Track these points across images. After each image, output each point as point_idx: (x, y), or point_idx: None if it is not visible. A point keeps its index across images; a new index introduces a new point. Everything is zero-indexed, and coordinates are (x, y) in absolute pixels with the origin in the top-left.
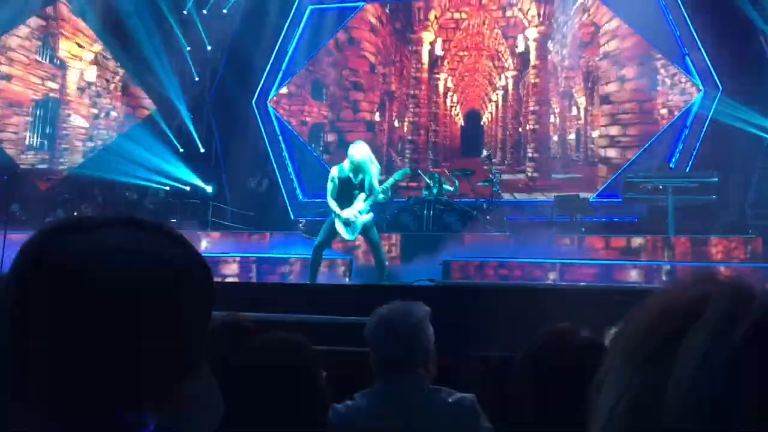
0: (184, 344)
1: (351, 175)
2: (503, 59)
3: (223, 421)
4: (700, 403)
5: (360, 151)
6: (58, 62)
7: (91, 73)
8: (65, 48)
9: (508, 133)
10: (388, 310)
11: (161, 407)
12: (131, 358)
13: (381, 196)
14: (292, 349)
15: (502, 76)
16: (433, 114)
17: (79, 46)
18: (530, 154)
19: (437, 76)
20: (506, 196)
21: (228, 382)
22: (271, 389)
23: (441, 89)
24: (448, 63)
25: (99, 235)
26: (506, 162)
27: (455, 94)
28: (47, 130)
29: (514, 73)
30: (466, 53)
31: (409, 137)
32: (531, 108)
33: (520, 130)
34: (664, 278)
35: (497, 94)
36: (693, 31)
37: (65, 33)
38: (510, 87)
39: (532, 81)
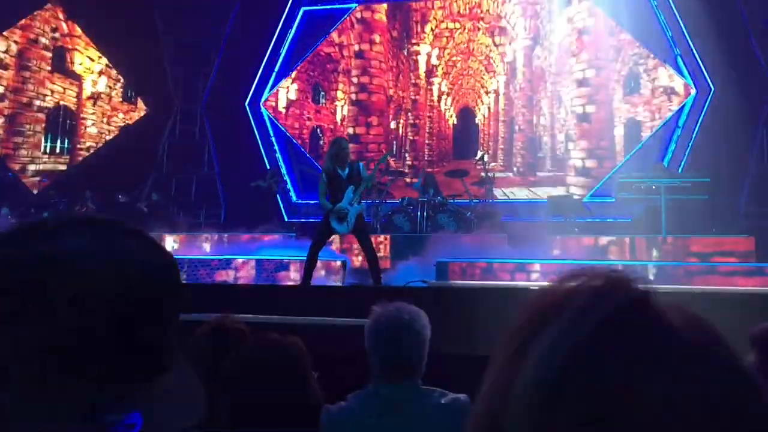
0: (146, 343)
1: (339, 171)
2: (494, 64)
3: (216, 421)
4: (535, 393)
5: (341, 145)
6: (73, 74)
7: (102, 83)
8: (79, 61)
9: (500, 135)
10: (390, 310)
11: (129, 406)
12: (89, 360)
13: (369, 183)
14: (284, 351)
15: (494, 80)
16: (428, 117)
17: (91, 59)
18: (517, 155)
19: (432, 80)
20: (498, 194)
21: (221, 383)
22: (264, 390)
23: (436, 94)
24: (442, 69)
25: (56, 238)
26: (498, 163)
27: (449, 98)
28: (63, 137)
29: (505, 78)
30: (459, 58)
31: (409, 138)
32: (521, 111)
33: (511, 131)
34: (651, 277)
35: (489, 97)
36: (685, 32)
37: (79, 48)
38: (501, 91)
39: (521, 86)
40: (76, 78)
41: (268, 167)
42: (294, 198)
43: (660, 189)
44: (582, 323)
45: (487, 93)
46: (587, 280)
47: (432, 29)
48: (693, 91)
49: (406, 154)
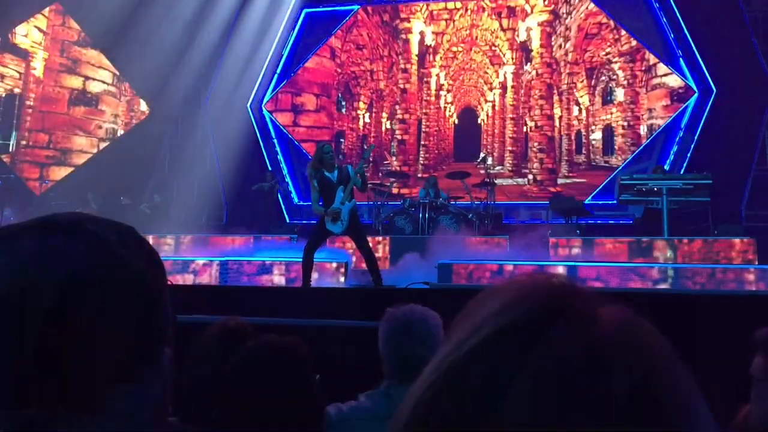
0: (105, 351)
1: (328, 175)
2: (501, 53)
3: (217, 423)
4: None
5: (324, 150)
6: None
7: (98, 85)
8: (22, 33)
9: (507, 135)
10: (403, 311)
11: (90, 411)
12: (39, 367)
13: (359, 179)
14: (285, 352)
15: (500, 72)
16: (425, 114)
17: (40, 30)
18: (533, 158)
19: (429, 71)
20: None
21: (222, 385)
22: (264, 393)
23: (433, 87)
24: (440, 59)
25: (8, 245)
26: (506, 167)
27: (449, 93)
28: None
29: (513, 68)
30: (460, 48)
31: (398, 137)
32: (532, 106)
33: (524, 130)
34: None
35: (494, 93)
36: (687, 33)
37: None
38: (509, 84)
39: (535, 74)
40: (22, 55)
41: (270, 169)
42: (296, 200)
43: (661, 191)
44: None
45: (491, 89)
46: (510, 288)
47: (427, 5)
48: (695, 93)
49: (394, 157)
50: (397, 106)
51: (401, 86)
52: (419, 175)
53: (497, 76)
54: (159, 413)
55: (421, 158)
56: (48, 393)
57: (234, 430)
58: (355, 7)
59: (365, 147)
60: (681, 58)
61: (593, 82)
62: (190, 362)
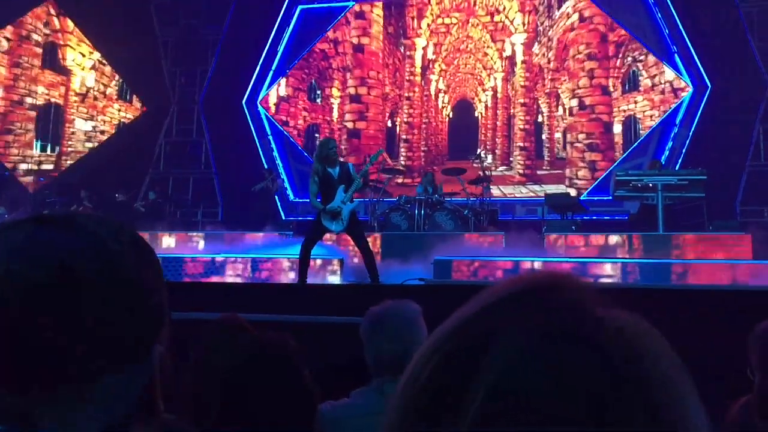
0: (91, 344)
1: (329, 171)
2: (492, 61)
3: (210, 419)
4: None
5: (329, 146)
6: (63, 70)
7: (90, 79)
8: (71, 57)
9: (498, 132)
10: (382, 309)
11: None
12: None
13: (361, 182)
14: (277, 349)
15: (492, 77)
16: (426, 115)
17: (82, 55)
18: (518, 152)
19: (429, 77)
20: (496, 192)
21: (216, 380)
22: (257, 388)
23: (433, 91)
24: (439, 65)
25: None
26: (495, 158)
27: (446, 95)
28: (51, 134)
29: (503, 74)
30: (457, 56)
31: (403, 136)
32: (519, 108)
33: (513, 127)
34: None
35: (487, 95)
36: (682, 29)
37: (71, 44)
38: (499, 88)
39: (520, 83)
40: (66, 74)
41: (266, 166)
42: (291, 196)
43: (657, 186)
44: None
45: (484, 90)
46: (515, 284)
47: (428, 25)
48: (690, 89)
49: (401, 153)
50: (403, 111)
51: (407, 95)
52: (426, 169)
53: (489, 81)
54: (144, 408)
55: (421, 155)
56: (28, 382)
57: (229, 425)
58: (350, 3)
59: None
60: (676, 54)
61: (572, 86)
62: (188, 359)
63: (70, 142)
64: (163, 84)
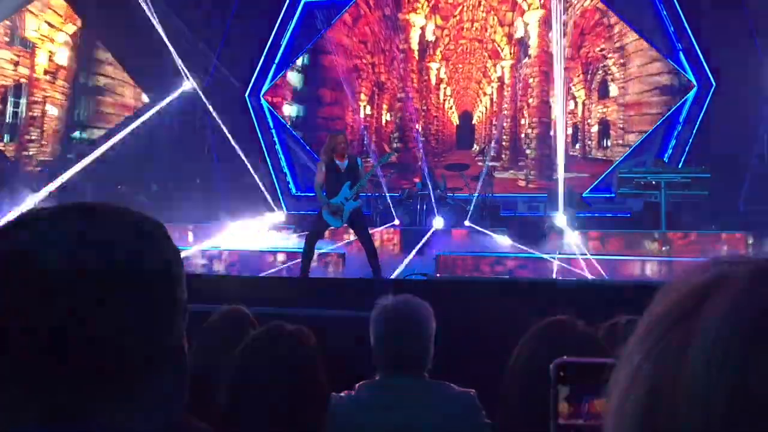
0: (138, 341)
1: (337, 162)
2: (500, 48)
3: (223, 411)
4: (713, 392)
5: (338, 139)
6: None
7: (63, 56)
8: (33, 28)
9: (503, 127)
10: (394, 303)
11: (116, 406)
12: (70, 359)
13: (366, 182)
14: (294, 340)
15: (498, 66)
16: (425, 105)
17: (50, 25)
18: (528, 151)
19: (429, 65)
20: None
21: (229, 372)
22: (271, 380)
23: (433, 80)
24: (441, 52)
25: (41, 228)
26: (503, 159)
27: (448, 87)
28: (15, 117)
29: (511, 62)
30: (461, 42)
31: (400, 129)
32: (529, 101)
33: (521, 123)
34: (649, 273)
35: (492, 87)
36: (687, 27)
37: (33, 11)
38: (506, 78)
39: (531, 70)
40: (28, 47)
41: (281, 161)
42: (294, 190)
43: (660, 184)
44: (742, 312)
45: (489, 83)
46: (728, 267)
47: (429, 1)
48: (694, 87)
49: (396, 144)
50: (400, 101)
51: (402, 83)
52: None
53: (495, 71)
54: (180, 409)
55: (420, 147)
56: (79, 379)
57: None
58: None
59: (369, 156)
60: (681, 52)
61: (588, 77)
62: (193, 351)
63: (31, 132)
64: (167, 76)
